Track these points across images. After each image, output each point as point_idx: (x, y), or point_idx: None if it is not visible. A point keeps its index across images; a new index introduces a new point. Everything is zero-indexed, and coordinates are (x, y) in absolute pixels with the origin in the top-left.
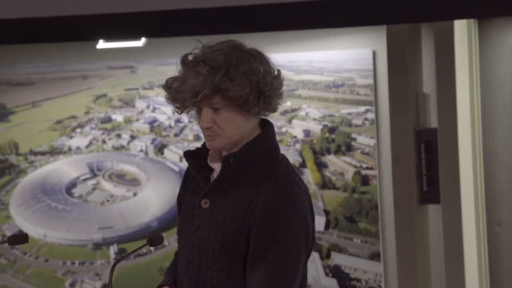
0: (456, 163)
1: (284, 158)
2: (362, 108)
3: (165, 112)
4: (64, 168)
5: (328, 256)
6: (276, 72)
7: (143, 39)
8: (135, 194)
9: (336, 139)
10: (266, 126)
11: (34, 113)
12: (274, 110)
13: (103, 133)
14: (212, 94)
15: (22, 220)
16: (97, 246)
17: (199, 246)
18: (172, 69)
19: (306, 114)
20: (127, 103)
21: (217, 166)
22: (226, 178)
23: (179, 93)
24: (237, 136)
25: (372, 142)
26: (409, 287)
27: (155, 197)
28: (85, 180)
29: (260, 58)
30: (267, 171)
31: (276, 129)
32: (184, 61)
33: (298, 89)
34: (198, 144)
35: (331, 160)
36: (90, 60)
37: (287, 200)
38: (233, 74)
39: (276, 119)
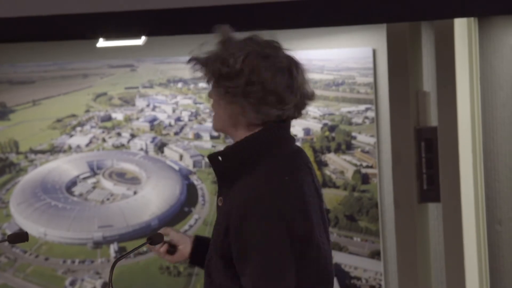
0: (456, 161)
1: (283, 155)
2: (362, 107)
3: (165, 111)
4: (64, 167)
5: None
6: (255, 79)
7: (144, 38)
8: (135, 193)
9: (336, 138)
10: (270, 126)
11: (34, 112)
12: (258, 120)
13: (103, 132)
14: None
15: (22, 218)
16: (97, 244)
17: (211, 246)
18: (173, 67)
19: (306, 112)
20: (127, 101)
21: None
22: (223, 176)
23: None
24: (222, 124)
25: (372, 140)
26: (410, 285)
27: (155, 195)
28: (85, 178)
29: (250, 54)
30: (256, 169)
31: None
32: None
33: None
34: (198, 143)
35: (331, 158)
36: (90, 59)
37: (259, 199)
38: (212, 55)
39: None
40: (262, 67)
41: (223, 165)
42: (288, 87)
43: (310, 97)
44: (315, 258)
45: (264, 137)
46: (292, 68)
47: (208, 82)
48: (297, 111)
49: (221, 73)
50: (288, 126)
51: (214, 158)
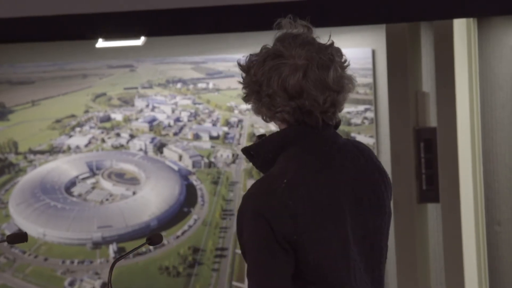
0: (456, 162)
1: (296, 154)
2: (361, 107)
3: (164, 111)
4: (63, 167)
5: None
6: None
7: (143, 38)
8: (134, 193)
9: None
10: (293, 127)
11: (33, 112)
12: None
13: (102, 132)
14: None
15: (21, 219)
16: (97, 245)
17: None
18: (172, 67)
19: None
20: (127, 102)
21: None
22: (261, 168)
23: None
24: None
25: (372, 141)
26: (409, 286)
27: (155, 196)
28: (84, 179)
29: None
30: (272, 167)
31: (275, 128)
32: None
33: None
34: (198, 143)
35: None
36: (89, 59)
37: (244, 202)
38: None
39: None
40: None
41: (254, 159)
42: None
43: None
44: (313, 265)
45: (281, 136)
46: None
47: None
48: (331, 107)
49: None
50: (317, 124)
51: (248, 153)
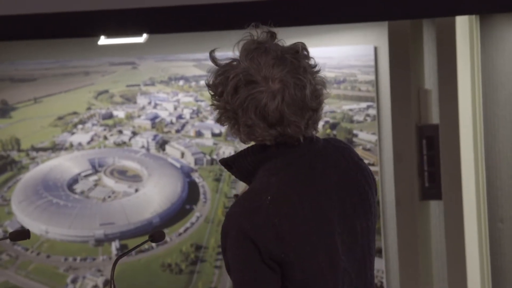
0: (458, 159)
1: (278, 167)
2: (363, 104)
3: (167, 108)
4: (65, 164)
5: None
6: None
7: (145, 35)
8: (136, 190)
9: (337, 135)
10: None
11: (35, 109)
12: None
13: (104, 129)
14: None
15: (23, 216)
16: (99, 242)
17: None
18: (174, 65)
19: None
20: (129, 99)
21: None
22: (243, 179)
23: None
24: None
25: (374, 138)
26: (411, 283)
27: (157, 193)
28: (86, 176)
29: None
30: (252, 181)
31: None
32: None
33: None
34: (200, 140)
35: None
36: (91, 56)
37: (228, 221)
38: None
39: None
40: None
41: (233, 170)
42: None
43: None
44: (300, 282)
45: (261, 149)
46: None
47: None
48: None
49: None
50: (299, 143)
51: (225, 164)
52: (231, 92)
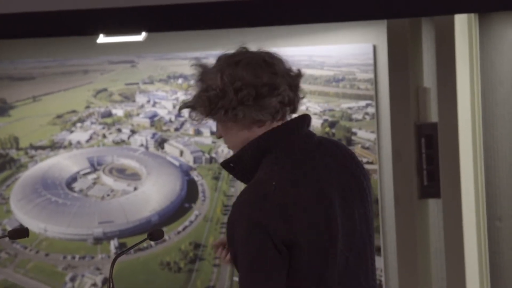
0: (457, 157)
1: (277, 158)
2: (362, 103)
3: (166, 107)
4: (64, 163)
5: None
6: (240, 84)
7: (144, 34)
8: (135, 189)
9: (336, 134)
10: (267, 129)
11: (34, 108)
12: (263, 116)
13: (103, 128)
14: None
15: (22, 214)
16: (98, 240)
17: None
18: (173, 63)
19: (307, 108)
20: (128, 97)
21: None
22: (242, 178)
23: None
24: (238, 144)
25: (373, 136)
26: (410, 281)
27: (156, 191)
28: (85, 174)
29: (224, 69)
30: (256, 174)
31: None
32: None
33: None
34: (199, 139)
35: None
36: (90, 55)
37: (239, 207)
38: (197, 91)
39: None
40: (239, 71)
41: (236, 171)
42: (273, 74)
43: (297, 77)
44: (306, 262)
45: (260, 142)
46: (266, 58)
47: (211, 117)
48: (296, 96)
49: (211, 100)
50: (293, 124)
51: (227, 165)
52: (231, 69)
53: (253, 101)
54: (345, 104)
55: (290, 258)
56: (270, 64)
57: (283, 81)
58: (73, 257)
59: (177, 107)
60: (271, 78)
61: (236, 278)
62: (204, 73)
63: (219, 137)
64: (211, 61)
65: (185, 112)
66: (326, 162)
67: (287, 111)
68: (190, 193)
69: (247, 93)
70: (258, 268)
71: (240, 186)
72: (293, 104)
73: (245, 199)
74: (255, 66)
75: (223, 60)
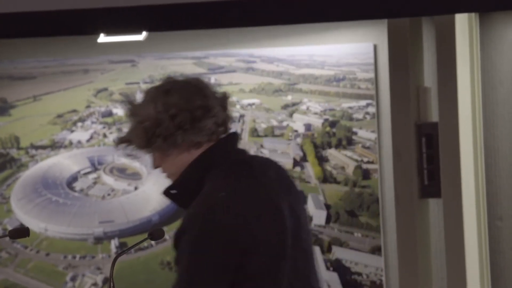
0: (457, 157)
1: (220, 172)
2: (363, 102)
3: None
4: (65, 162)
5: (329, 250)
6: (174, 110)
7: (144, 33)
8: (136, 188)
9: (337, 133)
10: (205, 149)
11: (35, 107)
12: (201, 137)
13: (104, 127)
14: None
15: (23, 214)
16: (98, 240)
17: None
18: (173, 63)
19: (307, 108)
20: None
21: None
22: (184, 204)
23: None
24: (178, 168)
25: (373, 136)
26: (410, 281)
27: (156, 191)
28: (86, 174)
29: (156, 99)
30: (201, 190)
31: (276, 123)
32: None
33: (299, 83)
34: None
35: (332, 154)
36: (91, 54)
37: (188, 222)
38: (131, 125)
39: (277, 113)
40: (171, 98)
41: (179, 196)
42: (204, 97)
43: (225, 98)
44: (258, 268)
45: (203, 160)
46: (195, 83)
47: (149, 148)
48: (227, 116)
49: (148, 130)
50: (228, 141)
51: (169, 193)
52: (165, 97)
53: (190, 125)
54: (346, 104)
55: (243, 265)
56: (200, 88)
57: (215, 102)
58: (74, 257)
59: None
60: (204, 101)
61: None
62: (136, 107)
63: (156, 167)
64: (211, 60)
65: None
66: (266, 171)
67: (220, 131)
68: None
69: (183, 118)
70: (200, 278)
71: None
72: (226, 124)
73: (195, 212)
74: (186, 92)
75: (153, 91)
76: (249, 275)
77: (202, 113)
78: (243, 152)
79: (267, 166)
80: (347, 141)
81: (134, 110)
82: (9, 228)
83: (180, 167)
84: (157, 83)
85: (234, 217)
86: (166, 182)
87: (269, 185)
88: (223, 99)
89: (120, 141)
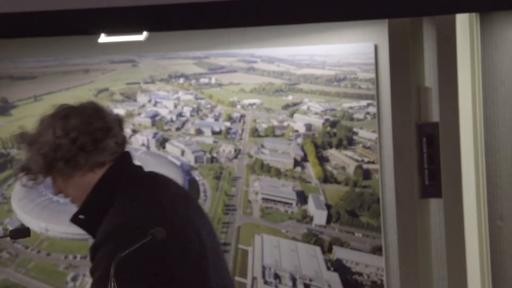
0: (458, 157)
1: (128, 188)
2: (363, 102)
3: (167, 106)
4: None
5: (329, 250)
6: (75, 134)
7: (145, 33)
8: None
9: (337, 133)
10: (107, 168)
11: (35, 107)
12: (104, 157)
13: None
14: None
15: (23, 214)
16: None
17: None
18: (174, 63)
19: (308, 108)
20: (129, 97)
21: None
22: (93, 229)
23: None
24: (82, 190)
25: (374, 136)
26: (411, 281)
27: None
28: None
29: (54, 124)
30: (111, 208)
31: (277, 123)
32: None
33: (300, 83)
34: (200, 138)
35: (333, 154)
36: (91, 54)
37: (105, 242)
38: (28, 152)
39: (278, 113)
40: (70, 122)
41: (87, 220)
42: (103, 118)
43: (121, 119)
44: (181, 276)
45: (109, 179)
46: (92, 106)
47: (50, 173)
48: (124, 136)
49: (47, 156)
50: (126, 159)
51: (77, 219)
52: (64, 122)
53: (92, 146)
54: (346, 104)
55: (161, 272)
56: (97, 111)
57: (113, 123)
58: (75, 257)
59: (179, 107)
60: (103, 122)
61: (238, 278)
62: (33, 136)
63: (58, 193)
64: (212, 60)
65: (187, 112)
66: (171, 185)
67: (120, 151)
68: (191, 192)
69: (85, 140)
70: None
71: (241, 185)
72: (124, 144)
73: (112, 224)
74: (84, 115)
75: (48, 119)
76: (170, 279)
77: (102, 134)
78: (141, 167)
79: (166, 178)
80: (347, 141)
81: (31, 139)
82: (10, 228)
83: (85, 189)
84: (51, 111)
85: (149, 227)
86: None
87: (176, 194)
88: (120, 120)
89: (18, 170)
